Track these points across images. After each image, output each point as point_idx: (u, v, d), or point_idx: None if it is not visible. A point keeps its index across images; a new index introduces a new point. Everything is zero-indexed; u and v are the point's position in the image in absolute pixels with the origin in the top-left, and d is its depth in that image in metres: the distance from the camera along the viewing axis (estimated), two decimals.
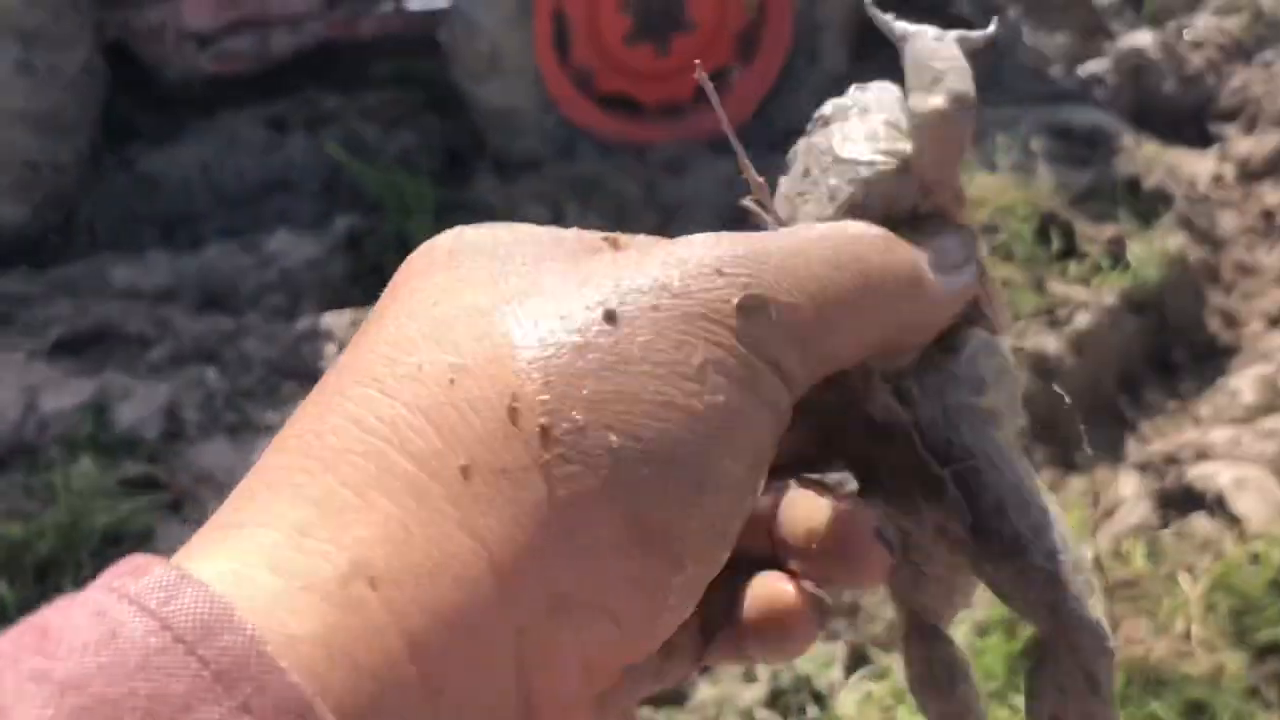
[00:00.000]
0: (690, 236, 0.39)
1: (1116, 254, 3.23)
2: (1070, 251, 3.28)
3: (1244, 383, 2.80)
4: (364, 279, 3.87)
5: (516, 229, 0.40)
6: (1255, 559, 2.20)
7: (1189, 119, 4.47)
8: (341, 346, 3.45)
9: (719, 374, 0.35)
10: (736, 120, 3.39)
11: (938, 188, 0.45)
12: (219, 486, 3.09)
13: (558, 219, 3.19)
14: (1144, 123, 4.46)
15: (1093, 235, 3.33)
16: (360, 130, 4.47)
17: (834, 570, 0.41)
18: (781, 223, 0.46)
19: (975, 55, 0.46)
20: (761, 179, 0.47)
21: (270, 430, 3.27)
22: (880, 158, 0.44)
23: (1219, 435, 2.59)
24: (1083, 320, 3.00)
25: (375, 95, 4.67)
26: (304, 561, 0.31)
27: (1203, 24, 4.74)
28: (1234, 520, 2.34)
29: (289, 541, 0.31)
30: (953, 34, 0.46)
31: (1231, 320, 3.37)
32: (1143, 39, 4.59)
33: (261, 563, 0.31)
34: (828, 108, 0.49)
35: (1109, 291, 3.13)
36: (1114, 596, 2.16)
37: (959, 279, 0.43)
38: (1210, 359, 3.23)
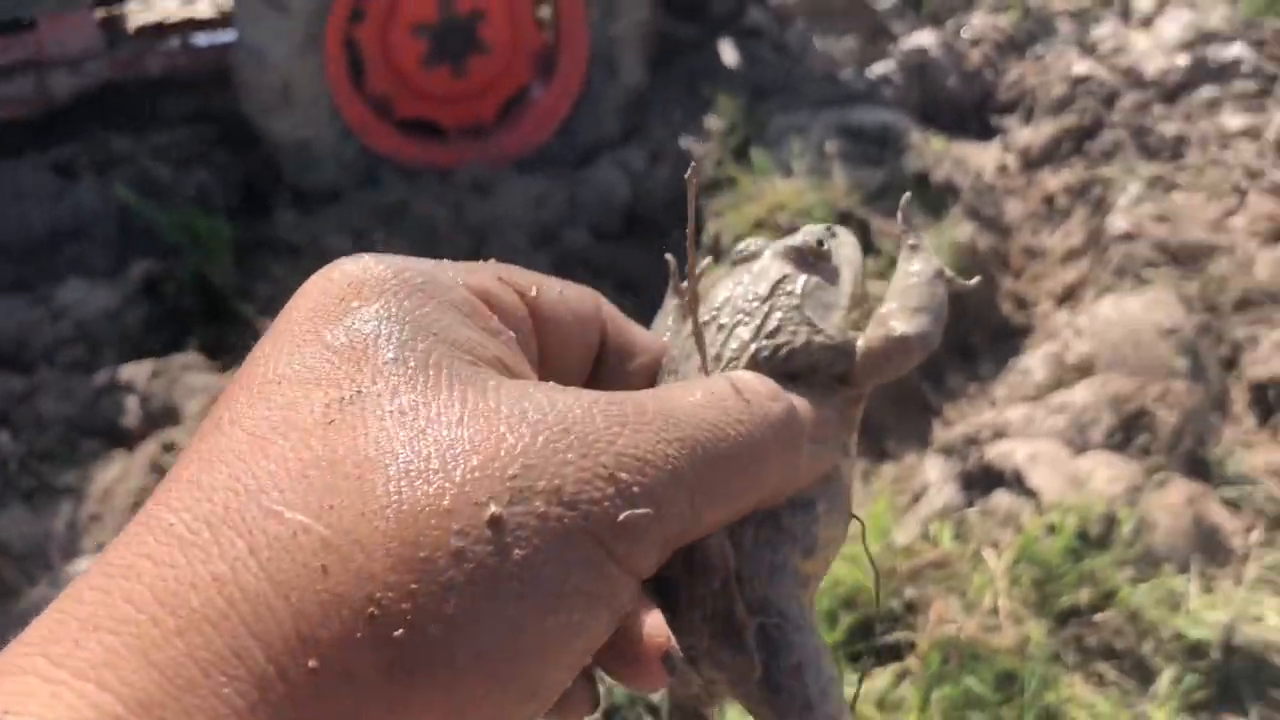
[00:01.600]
0: (591, 404, 0.39)
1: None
2: (867, 249, 3.38)
3: (1034, 362, 2.94)
4: (164, 326, 3.71)
5: (414, 291, 0.41)
6: (1052, 529, 2.31)
7: (972, 112, 4.69)
8: (144, 399, 3.30)
9: (583, 595, 0.36)
10: (540, 139, 3.41)
11: (857, 382, 0.49)
12: (19, 557, 2.91)
13: (363, 249, 3.14)
14: (931, 119, 4.65)
15: (887, 231, 3.44)
16: (153, 171, 4.29)
17: (616, 669, 0.41)
18: (704, 352, 0.49)
19: (954, 298, 0.51)
20: (699, 294, 0.50)
21: (72, 493, 3.10)
22: (833, 334, 0.49)
23: (1014, 414, 2.71)
24: None
25: (167, 134, 4.49)
26: None
27: (978, 22, 4.99)
28: (1031, 494, 2.45)
29: (129, 714, 0.31)
30: (948, 273, 0.51)
31: (1022, 302, 3.54)
32: (924, 39, 4.79)
33: None
34: (756, 246, 0.54)
35: None
36: (925, 579, 2.23)
37: (830, 447, 0.47)
38: (1006, 341, 3.38)
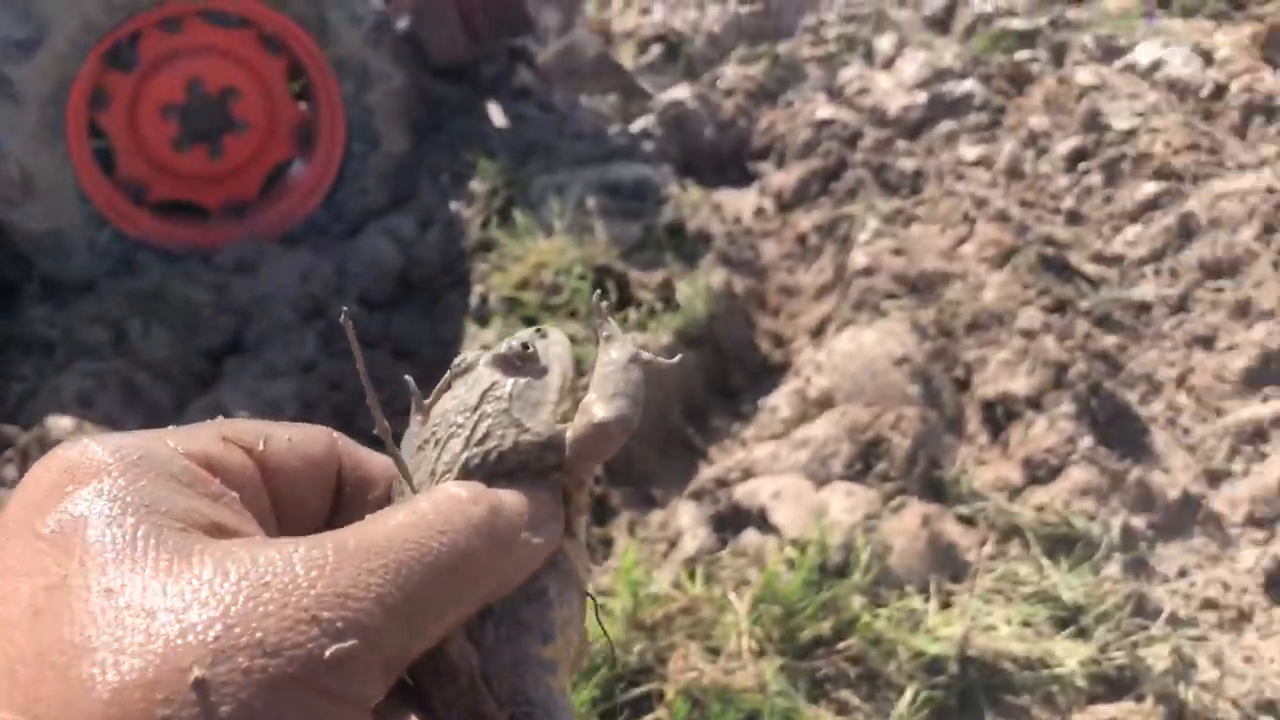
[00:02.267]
0: (292, 552, 0.40)
1: (667, 296, 3.45)
2: (625, 301, 3.47)
3: (780, 399, 3.06)
4: None
5: (129, 468, 0.42)
6: (792, 564, 2.40)
7: (731, 160, 4.87)
8: None
9: None
10: (304, 213, 3.35)
11: (571, 470, 0.52)
12: None
13: (120, 339, 2.97)
14: (692, 169, 4.81)
15: (645, 282, 3.54)
16: None
17: None
18: (407, 475, 0.52)
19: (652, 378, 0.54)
20: (387, 424, 0.53)
21: None
22: (540, 430, 0.52)
23: (761, 452, 2.82)
24: None
25: None
26: None
27: (731, 72, 5.19)
28: (775, 531, 2.55)
29: None
30: (644, 356, 0.55)
31: (779, 340, 3.68)
32: (681, 92, 4.96)
33: None
34: (470, 359, 0.56)
35: (664, 332, 3.33)
36: (674, 627, 2.29)
37: (547, 535, 0.49)
38: (765, 379, 3.51)
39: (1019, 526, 2.65)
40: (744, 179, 4.77)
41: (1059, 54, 5.07)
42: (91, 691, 0.35)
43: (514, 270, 3.71)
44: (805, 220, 4.19)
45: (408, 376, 0.58)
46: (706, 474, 2.82)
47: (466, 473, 0.51)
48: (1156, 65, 4.70)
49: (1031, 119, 4.51)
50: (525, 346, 0.56)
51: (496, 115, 5.16)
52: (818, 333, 3.62)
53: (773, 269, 4.05)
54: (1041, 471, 2.81)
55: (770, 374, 3.54)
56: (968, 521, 2.72)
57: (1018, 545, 2.64)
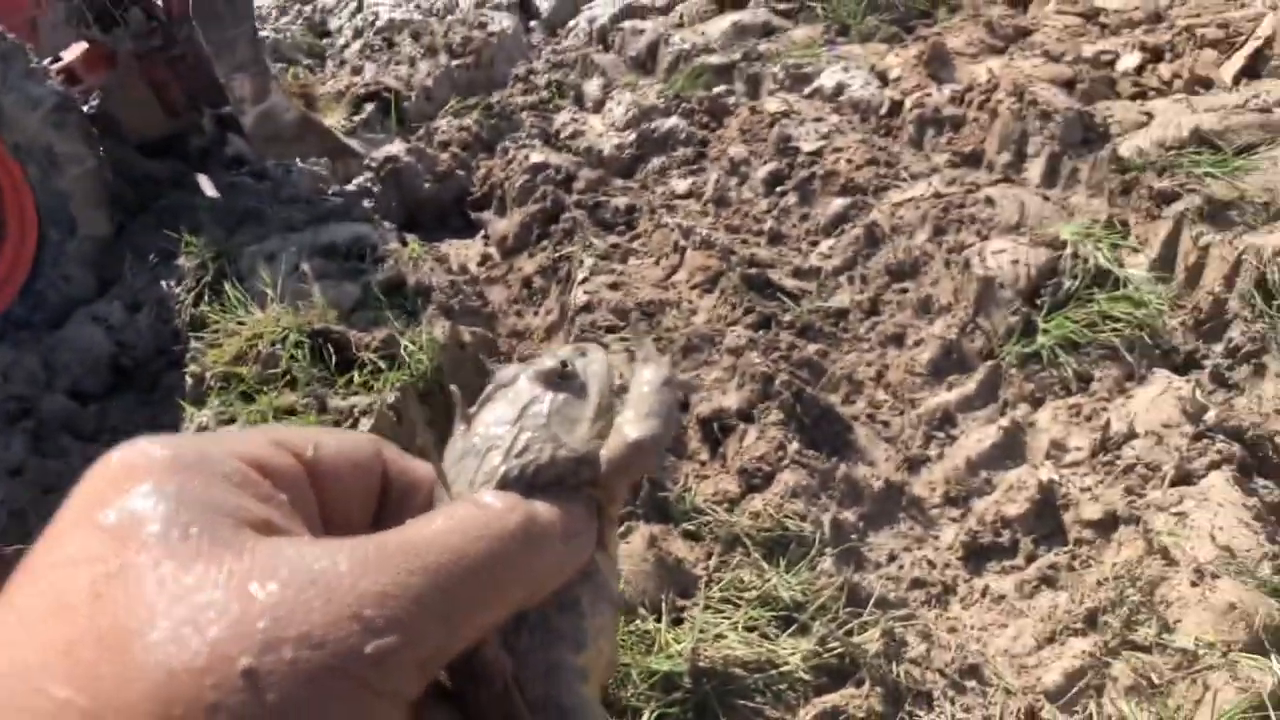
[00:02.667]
0: (337, 551, 0.42)
1: (390, 354, 3.44)
2: (350, 363, 3.43)
3: None
4: None
5: (184, 468, 0.43)
6: None
7: (453, 211, 4.91)
8: None
9: None
10: (0, 308, 3.12)
11: (605, 485, 0.54)
12: None
13: None
14: (415, 224, 4.82)
15: (366, 342, 3.51)
16: None
17: None
18: (446, 484, 0.53)
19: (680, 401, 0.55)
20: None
21: None
22: (576, 446, 0.53)
23: None
24: (366, 424, 3.15)
25: None
26: None
27: (445, 125, 5.24)
28: None
29: None
30: (680, 378, 0.52)
31: None
32: (395, 148, 4.97)
33: None
34: (512, 373, 0.58)
35: (390, 391, 3.32)
36: None
37: (580, 546, 0.50)
38: None
39: (739, 535, 2.78)
40: (469, 229, 4.81)
41: (755, 85, 5.36)
42: (146, 674, 0.37)
43: (228, 345, 3.61)
44: (529, 264, 4.27)
45: (453, 386, 0.60)
46: None
47: (505, 484, 0.52)
48: (839, 89, 5.05)
49: (731, 149, 4.75)
50: (565, 364, 0.58)
51: (207, 187, 5.01)
52: None
53: (502, 314, 4.10)
54: (756, 479, 2.96)
55: None
56: (693, 537, 2.83)
57: (739, 553, 2.77)
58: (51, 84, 3.99)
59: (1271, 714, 2.04)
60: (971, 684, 2.47)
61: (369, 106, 5.49)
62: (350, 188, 4.82)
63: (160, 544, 0.41)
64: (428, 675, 0.43)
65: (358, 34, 6.72)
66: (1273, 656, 2.16)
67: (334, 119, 5.44)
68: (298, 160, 5.09)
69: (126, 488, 0.43)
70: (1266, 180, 3.54)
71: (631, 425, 0.56)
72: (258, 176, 5.12)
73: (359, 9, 7.04)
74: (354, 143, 4.85)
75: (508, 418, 0.56)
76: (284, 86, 4.46)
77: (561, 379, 0.58)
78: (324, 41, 6.89)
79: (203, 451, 0.46)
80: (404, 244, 4.31)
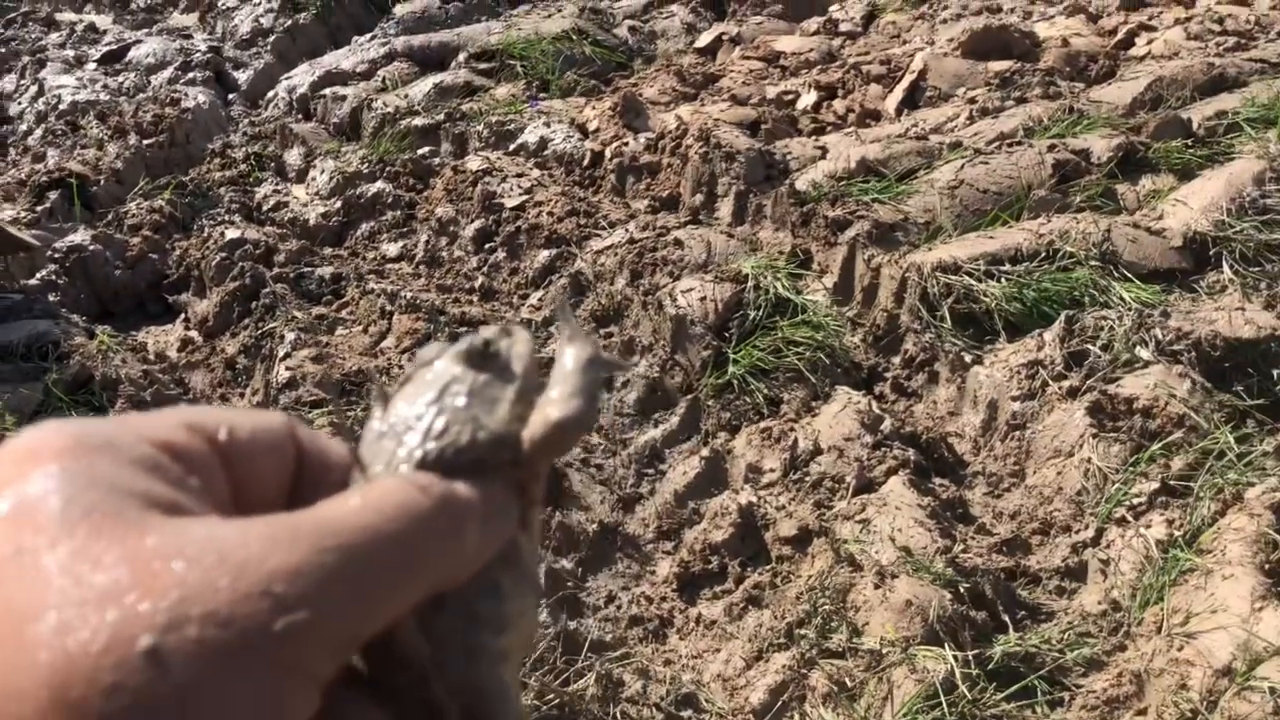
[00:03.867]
0: (248, 530, 0.40)
1: None
2: None
3: None
4: None
5: (91, 451, 0.41)
6: None
7: (151, 296, 4.68)
8: None
9: (254, 709, 0.37)
10: None
11: (527, 465, 0.52)
12: None
13: None
14: (109, 314, 4.57)
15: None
16: None
17: None
18: (362, 464, 0.51)
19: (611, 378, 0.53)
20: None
21: None
22: (496, 427, 0.51)
23: None
24: None
25: None
26: None
27: (135, 208, 5.01)
28: None
29: None
30: (604, 356, 0.55)
31: None
32: (80, 236, 4.70)
33: None
34: (434, 352, 0.56)
35: None
36: None
37: (499, 527, 0.48)
38: None
39: None
40: (168, 314, 4.60)
41: (460, 145, 5.39)
42: (40, 658, 0.35)
43: None
44: (231, 344, 4.11)
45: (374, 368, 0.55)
46: None
47: (423, 465, 0.50)
48: (543, 143, 5.14)
49: (439, 209, 4.75)
50: (488, 344, 0.55)
51: None
52: None
53: (205, 399, 3.92)
54: None
55: None
56: None
57: None
58: None
59: (943, 699, 2.17)
60: (687, 713, 2.51)
61: (53, 194, 5.18)
62: (33, 282, 4.52)
63: (58, 525, 0.39)
64: (341, 656, 0.41)
65: (40, 119, 6.34)
66: (946, 645, 2.30)
67: (15, 210, 5.10)
68: None
69: (27, 470, 0.41)
70: (925, 202, 3.83)
71: (554, 405, 0.54)
72: None
73: (40, 93, 6.65)
74: (30, 234, 4.56)
75: (427, 398, 0.53)
76: None
77: (483, 359, 0.55)
78: (3, 129, 6.47)
79: (110, 435, 0.44)
80: (92, 336, 4.08)
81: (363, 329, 4.02)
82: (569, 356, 0.56)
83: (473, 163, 4.89)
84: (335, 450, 0.55)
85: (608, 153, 4.90)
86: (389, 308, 4.01)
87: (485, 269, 4.37)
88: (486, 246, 4.49)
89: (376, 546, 0.43)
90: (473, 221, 4.60)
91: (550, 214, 4.38)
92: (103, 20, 7.93)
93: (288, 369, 3.66)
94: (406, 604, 0.44)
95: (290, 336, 3.83)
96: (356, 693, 0.46)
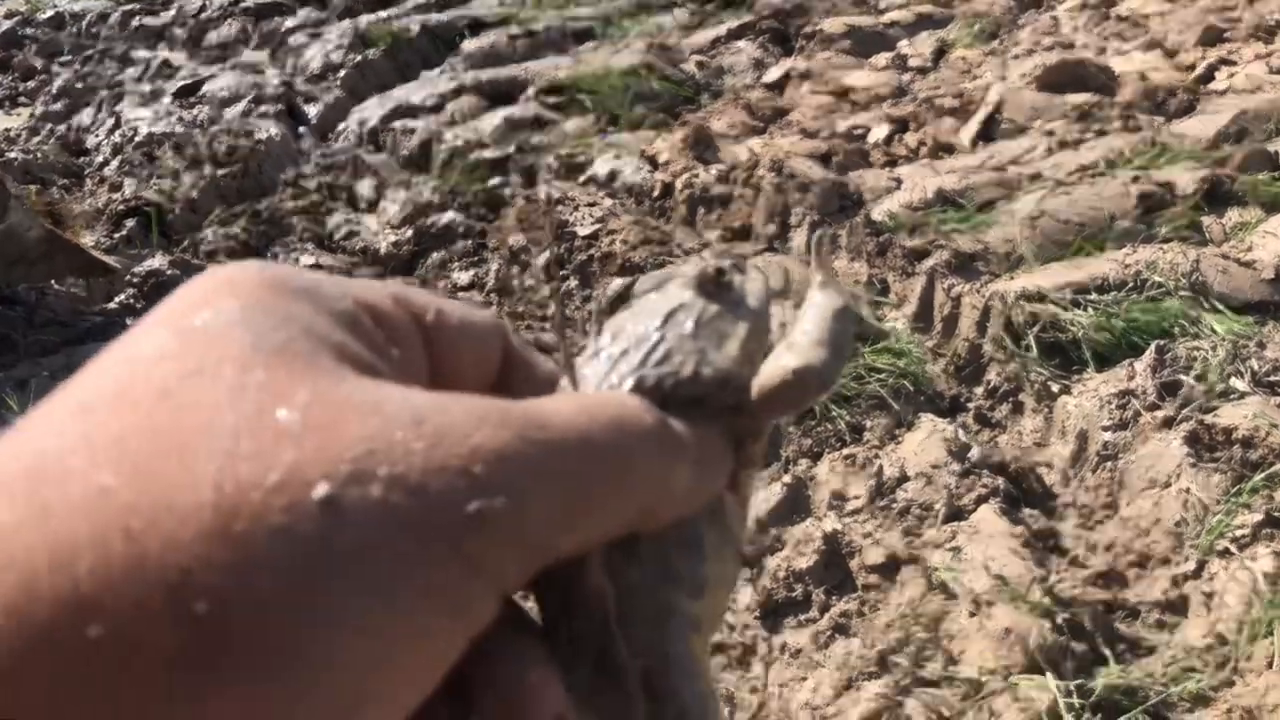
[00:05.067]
0: (450, 402, 0.36)
1: None
2: None
3: None
4: None
5: (292, 293, 0.38)
6: None
7: None
8: None
9: (428, 593, 0.32)
10: None
11: (752, 415, 0.47)
12: None
13: None
14: None
15: None
16: None
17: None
18: (574, 379, 0.46)
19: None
20: (566, 318, 0.46)
21: None
22: (723, 365, 0.46)
23: None
24: None
25: None
26: None
27: (211, 234, 5.08)
28: None
29: None
30: (855, 309, 0.42)
31: None
32: (158, 261, 4.78)
33: None
34: (665, 273, 0.51)
35: None
36: None
37: (712, 477, 0.43)
38: None
39: None
40: None
41: (529, 177, 5.42)
42: (207, 480, 0.31)
43: None
44: None
45: (607, 281, 0.52)
46: None
47: (638, 390, 0.45)
48: (613, 175, 5.16)
49: (510, 238, 4.78)
50: (722, 273, 0.50)
51: None
52: None
53: None
54: None
55: None
56: None
57: None
58: None
59: None
60: None
61: (129, 222, 5.27)
62: (111, 306, 4.59)
63: (248, 352, 0.35)
64: (527, 568, 0.36)
65: (116, 150, 6.47)
66: (1047, 674, 2.23)
67: (93, 237, 5.20)
68: (52, 282, 4.83)
69: (222, 297, 0.37)
70: (1005, 232, 3.78)
71: (794, 352, 0.48)
72: (7, 302, 4.82)
73: (116, 125, 6.80)
74: (111, 259, 4.64)
75: (651, 322, 0.48)
76: (27, 205, 4.24)
77: (716, 288, 0.50)
78: (81, 160, 6.61)
79: (314, 284, 0.40)
80: None
81: None
82: (818, 301, 0.50)
83: (545, 191, 4.91)
84: (542, 365, 0.50)
85: (678, 184, 4.90)
86: None
87: (557, 298, 4.37)
88: (560, 274, 4.50)
89: (588, 452, 0.38)
90: (544, 250, 4.61)
91: (624, 242, 4.38)
92: (177, 57, 8.11)
93: None
94: (608, 526, 0.39)
95: None
96: (523, 637, 0.40)
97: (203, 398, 0.34)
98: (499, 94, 6.47)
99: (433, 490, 0.33)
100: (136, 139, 6.50)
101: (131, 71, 7.93)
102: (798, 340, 0.49)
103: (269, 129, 6.36)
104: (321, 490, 0.32)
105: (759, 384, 0.48)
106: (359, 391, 0.35)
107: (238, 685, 0.29)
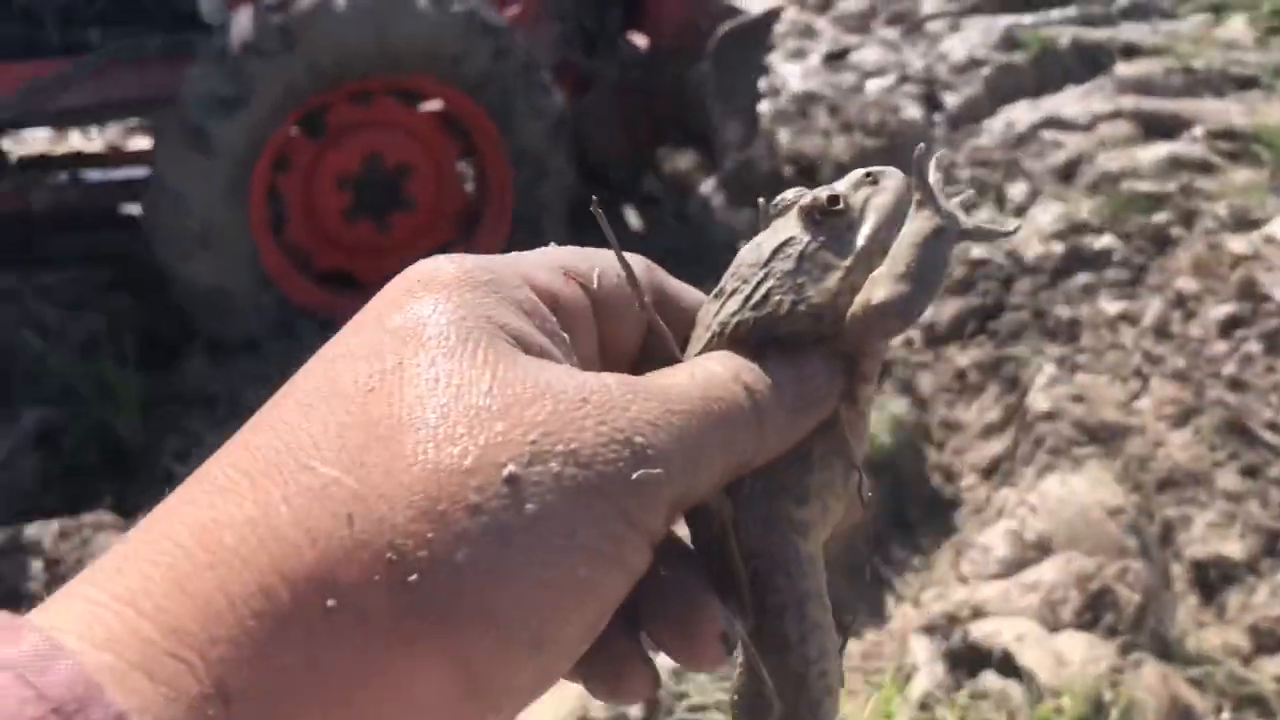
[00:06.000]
0: (608, 380, 0.43)
1: None
2: None
3: (995, 539, 3.01)
4: (62, 481, 3.41)
5: (477, 285, 0.44)
6: (1060, 711, 2.33)
7: None
8: (51, 562, 2.99)
9: (593, 550, 0.39)
10: None
11: (852, 345, 0.50)
12: None
13: None
14: None
15: None
16: (39, 312, 4.01)
17: (671, 647, 0.45)
18: (673, 351, 0.51)
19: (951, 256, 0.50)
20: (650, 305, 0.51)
21: None
22: (817, 301, 0.50)
23: (988, 591, 2.76)
24: None
25: (54, 274, 4.23)
26: (172, 668, 0.34)
27: None
28: (1021, 675, 2.48)
29: (162, 639, 0.34)
30: (961, 227, 0.50)
31: (950, 475, 3.65)
32: None
33: (130, 653, 0.34)
34: (791, 198, 0.53)
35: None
36: None
37: (812, 409, 0.49)
38: (940, 514, 3.47)
39: (1260, 695, 2.59)
40: None
41: (1188, 220, 5.15)
42: (412, 466, 0.38)
43: None
44: (963, 356, 4.19)
45: (761, 199, 0.56)
46: (935, 609, 2.76)
47: (737, 335, 0.50)
48: None
49: (1179, 281, 4.56)
50: (834, 200, 0.51)
51: (633, 220, 5.19)
52: (991, 471, 3.59)
53: (932, 402, 4.03)
54: (1269, 640, 2.76)
55: (942, 509, 3.50)
56: (1197, 685, 2.66)
57: (1255, 714, 2.58)
58: (557, 98, 4.22)
59: None
60: None
61: (787, 169, 5.58)
62: None
63: (439, 345, 0.42)
64: (671, 520, 0.43)
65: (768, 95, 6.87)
66: None
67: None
68: (715, 208, 5.21)
69: (418, 294, 0.44)
70: None
71: (880, 284, 0.49)
72: (678, 218, 5.27)
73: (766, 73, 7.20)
74: None
75: (760, 257, 0.51)
76: (769, 141, 4.58)
77: (824, 215, 0.51)
78: None
79: (496, 273, 0.46)
80: None
81: (1109, 380, 3.94)
82: (910, 228, 0.50)
83: (1234, 243, 4.64)
84: (689, 297, 0.54)
85: None
86: (1145, 369, 3.90)
87: (1235, 357, 4.12)
88: (1236, 334, 4.24)
89: (708, 420, 0.44)
90: (1223, 303, 4.36)
91: None
92: (820, 22, 8.45)
93: (1045, 400, 3.65)
94: (716, 479, 0.45)
95: (1048, 369, 3.82)
96: (687, 561, 0.47)
97: (401, 392, 0.40)
98: (1156, 127, 6.18)
99: (599, 462, 0.39)
100: (787, 92, 6.85)
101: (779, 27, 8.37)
102: (882, 272, 0.49)
103: (910, 109, 6.49)
104: (509, 470, 0.38)
105: (850, 315, 0.49)
106: (532, 375, 0.41)
107: (442, 639, 0.36)
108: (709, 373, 0.47)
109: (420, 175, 4.21)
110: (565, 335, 0.47)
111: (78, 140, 5.10)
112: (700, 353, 0.51)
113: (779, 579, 0.48)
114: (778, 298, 0.50)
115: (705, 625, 0.44)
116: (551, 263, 0.50)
